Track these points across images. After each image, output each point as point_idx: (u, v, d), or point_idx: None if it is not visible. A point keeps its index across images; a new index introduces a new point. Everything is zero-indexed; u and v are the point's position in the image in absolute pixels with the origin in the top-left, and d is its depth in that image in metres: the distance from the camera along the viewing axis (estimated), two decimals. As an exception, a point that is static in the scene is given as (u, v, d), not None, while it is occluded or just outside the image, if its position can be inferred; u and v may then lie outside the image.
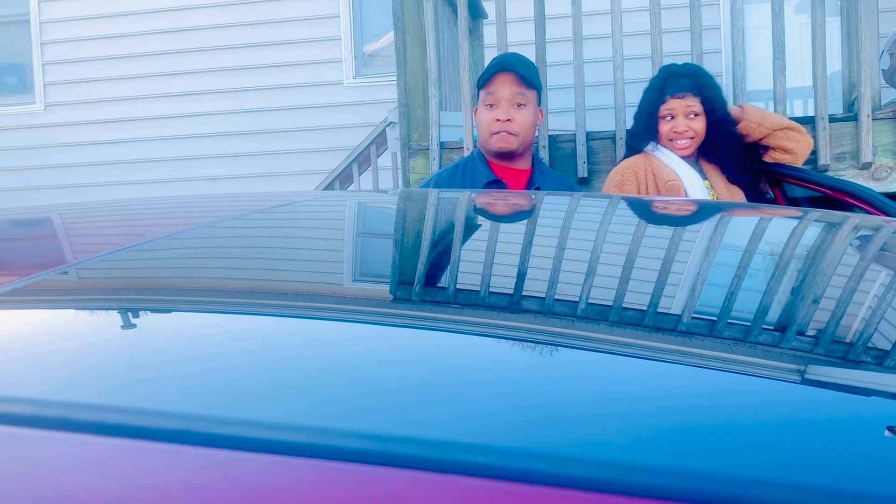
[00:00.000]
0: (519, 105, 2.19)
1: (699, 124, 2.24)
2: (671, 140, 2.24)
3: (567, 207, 1.08)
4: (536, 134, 2.51)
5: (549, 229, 0.92)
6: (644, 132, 2.29)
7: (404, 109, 2.86)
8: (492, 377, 0.43)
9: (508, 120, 2.17)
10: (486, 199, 1.22)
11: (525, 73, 2.21)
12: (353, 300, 0.60)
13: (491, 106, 2.19)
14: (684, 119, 2.23)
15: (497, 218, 1.03)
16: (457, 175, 2.22)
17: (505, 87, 2.19)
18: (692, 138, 2.24)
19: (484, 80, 2.23)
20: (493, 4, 2.83)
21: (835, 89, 2.95)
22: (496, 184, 2.18)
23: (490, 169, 2.23)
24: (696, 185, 2.21)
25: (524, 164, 2.26)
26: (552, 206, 1.12)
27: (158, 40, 5.98)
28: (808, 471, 0.33)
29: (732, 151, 2.30)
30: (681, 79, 2.25)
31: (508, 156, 2.22)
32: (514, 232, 0.93)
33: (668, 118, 2.24)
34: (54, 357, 0.46)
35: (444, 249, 0.80)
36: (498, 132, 2.18)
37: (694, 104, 2.23)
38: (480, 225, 0.99)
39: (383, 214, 1.10)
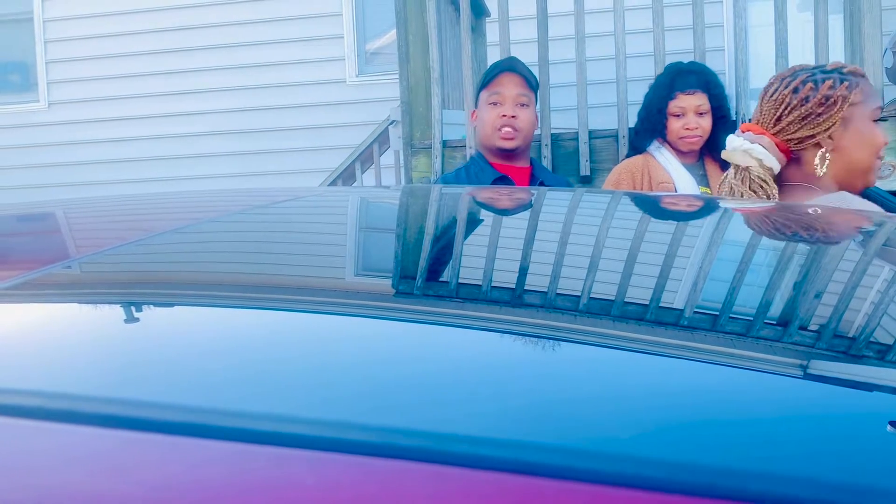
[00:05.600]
0: (522, 105, 2.26)
1: (707, 122, 2.24)
2: (682, 138, 2.23)
3: (573, 203, 1.08)
4: (536, 131, 2.54)
5: (556, 224, 0.92)
6: (650, 129, 2.28)
7: (407, 108, 2.86)
8: (503, 373, 0.43)
9: (514, 116, 2.23)
10: (493, 194, 1.22)
11: (529, 76, 2.30)
12: (361, 295, 0.60)
13: (495, 104, 2.25)
14: (694, 116, 2.22)
15: (507, 213, 1.03)
16: (462, 176, 2.28)
17: (510, 87, 2.25)
18: (700, 136, 2.24)
19: (488, 80, 2.29)
20: (496, 2, 2.83)
21: (838, 87, 2.93)
22: (503, 180, 2.23)
23: (493, 168, 2.28)
24: (688, 188, 2.21)
25: (524, 163, 2.32)
26: (559, 201, 1.12)
27: (161, 38, 5.99)
28: (810, 465, 0.33)
29: None
30: (690, 75, 2.26)
31: (510, 154, 2.27)
32: (523, 227, 0.93)
33: (678, 115, 2.23)
34: (59, 351, 0.46)
35: (457, 245, 0.80)
36: (503, 128, 2.22)
37: (703, 102, 2.23)
38: (491, 220, 0.99)
39: (394, 210, 1.10)
